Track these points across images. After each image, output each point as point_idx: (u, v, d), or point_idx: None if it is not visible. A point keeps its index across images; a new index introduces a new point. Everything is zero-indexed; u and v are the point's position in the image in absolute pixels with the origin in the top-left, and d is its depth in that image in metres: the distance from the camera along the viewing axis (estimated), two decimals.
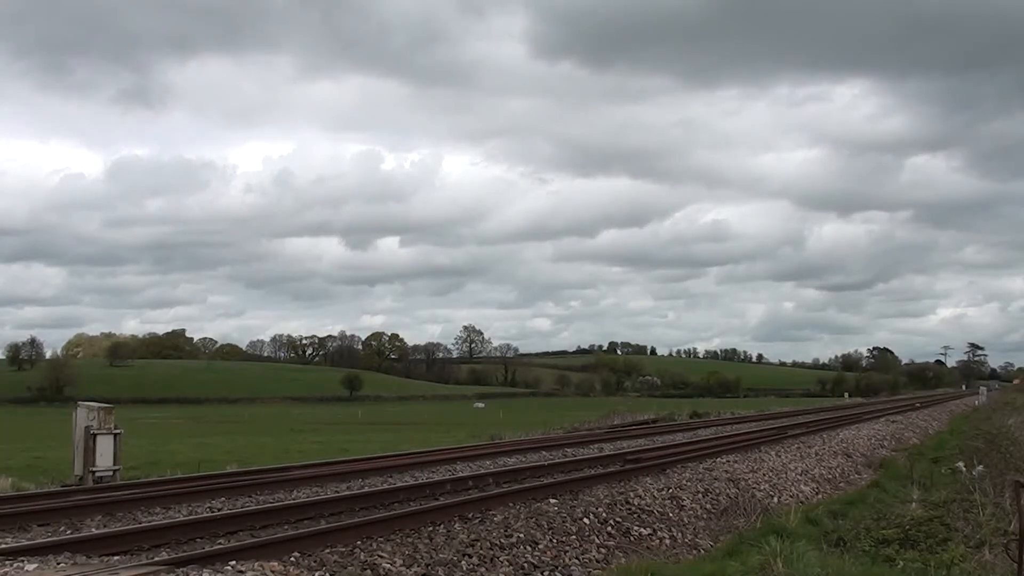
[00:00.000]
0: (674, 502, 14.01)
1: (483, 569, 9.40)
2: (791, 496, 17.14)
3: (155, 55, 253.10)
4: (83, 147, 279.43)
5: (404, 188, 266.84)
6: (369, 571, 8.66)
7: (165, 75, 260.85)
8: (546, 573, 9.81)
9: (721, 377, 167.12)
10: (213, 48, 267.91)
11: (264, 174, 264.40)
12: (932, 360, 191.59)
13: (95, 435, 15.22)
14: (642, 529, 12.31)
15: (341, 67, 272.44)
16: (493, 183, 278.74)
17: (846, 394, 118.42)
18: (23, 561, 7.48)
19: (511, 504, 11.98)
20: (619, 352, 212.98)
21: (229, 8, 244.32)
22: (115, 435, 15.53)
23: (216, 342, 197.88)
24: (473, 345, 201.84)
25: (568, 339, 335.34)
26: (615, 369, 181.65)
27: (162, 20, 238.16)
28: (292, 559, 8.47)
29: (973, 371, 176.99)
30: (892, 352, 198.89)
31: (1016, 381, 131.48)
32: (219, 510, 11.43)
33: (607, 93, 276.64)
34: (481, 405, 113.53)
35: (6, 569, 7.15)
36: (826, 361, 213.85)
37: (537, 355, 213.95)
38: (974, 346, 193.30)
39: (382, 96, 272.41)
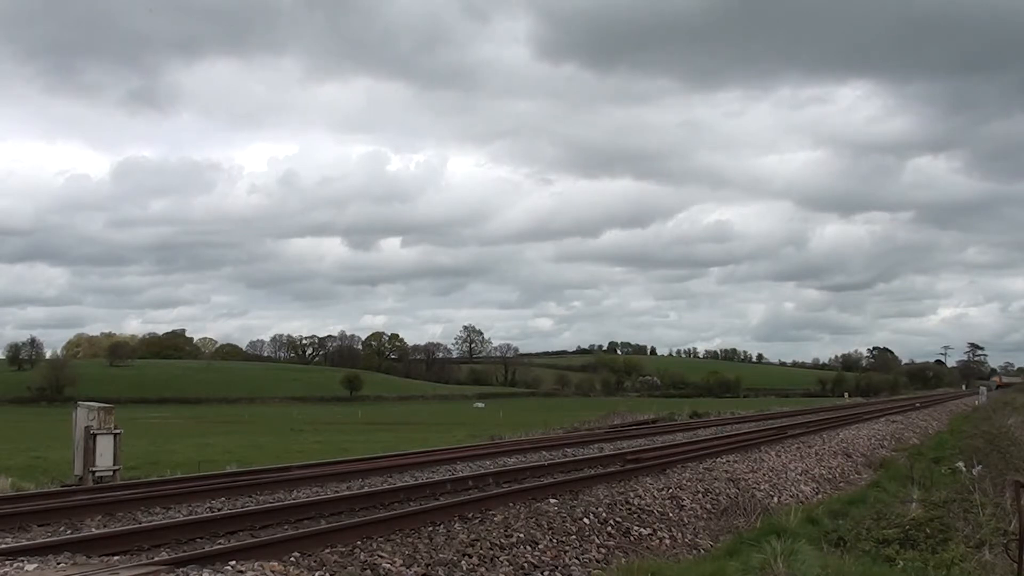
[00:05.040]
0: (674, 502, 14.01)
1: (483, 569, 9.41)
2: (791, 496, 17.15)
3: (163, 57, 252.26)
4: (89, 148, 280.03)
5: (409, 189, 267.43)
6: (369, 571, 8.66)
7: (173, 77, 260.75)
8: (546, 573, 9.81)
9: (721, 377, 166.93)
10: (220, 50, 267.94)
11: (269, 175, 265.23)
12: (932, 360, 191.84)
13: (95, 435, 15.24)
14: (642, 529, 12.31)
15: (347, 69, 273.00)
16: (498, 184, 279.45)
17: (846, 394, 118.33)
18: (23, 561, 7.48)
19: (511, 504, 11.98)
20: (619, 352, 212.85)
21: (236, 10, 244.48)
22: (115, 435, 15.55)
23: (216, 342, 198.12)
24: (473, 345, 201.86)
25: (569, 339, 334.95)
26: (615, 369, 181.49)
27: (170, 22, 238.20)
28: (292, 559, 8.47)
29: (973, 371, 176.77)
30: (892, 352, 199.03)
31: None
32: (219, 510, 11.42)
33: (611, 95, 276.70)
34: (481, 405, 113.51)
35: (6, 569, 7.14)
36: (826, 361, 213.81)
37: (537, 355, 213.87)
38: (974, 346, 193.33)
39: (388, 98, 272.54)
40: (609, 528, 11.89)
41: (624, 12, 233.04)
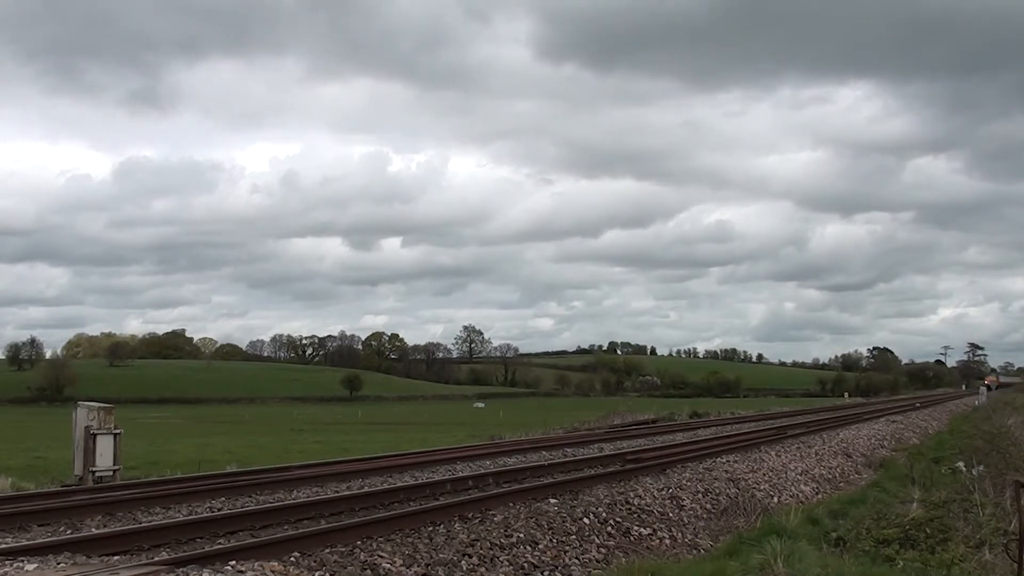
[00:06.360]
0: (674, 502, 14.01)
1: (483, 569, 9.40)
2: (791, 496, 17.15)
3: (164, 57, 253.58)
4: (92, 149, 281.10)
5: (410, 189, 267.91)
6: (369, 571, 8.66)
7: (174, 77, 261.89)
8: (546, 573, 9.81)
9: (721, 377, 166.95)
10: (222, 50, 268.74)
11: (271, 175, 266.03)
12: (932, 360, 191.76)
13: (95, 435, 15.23)
14: (642, 529, 12.31)
15: (348, 69, 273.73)
16: (499, 184, 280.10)
17: (846, 394, 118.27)
18: (23, 561, 7.48)
19: (511, 504, 11.97)
20: (619, 352, 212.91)
21: (237, 11, 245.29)
22: (115, 435, 15.54)
23: (216, 342, 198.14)
24: (473, 345, 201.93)
25: (570, 339, 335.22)
26: (615, 369, 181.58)
27: (171, 23, 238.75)
28: (292, 559, 8.47)
29: (973, 371, 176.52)
30: (892, 352, 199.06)
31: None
32: (219, 510, 11.42)
33: (611, 95, 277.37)
34: (481, 405, 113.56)
35: (6, 569, 7.14)
36: (826, 361, 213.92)
37: (537, 355, 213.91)
38: (974, 346, 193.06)
39: (389, 98, 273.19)
40: (609, 528, 11.89)
41: (624, 12, 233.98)
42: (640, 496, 13.64)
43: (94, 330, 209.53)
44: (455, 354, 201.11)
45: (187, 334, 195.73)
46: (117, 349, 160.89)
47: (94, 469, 15.11)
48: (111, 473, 15.25)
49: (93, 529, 10.02)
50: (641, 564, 9.66)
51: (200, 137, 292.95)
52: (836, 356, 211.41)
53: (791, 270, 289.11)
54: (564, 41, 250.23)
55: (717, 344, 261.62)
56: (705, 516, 14.04)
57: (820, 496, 17.90)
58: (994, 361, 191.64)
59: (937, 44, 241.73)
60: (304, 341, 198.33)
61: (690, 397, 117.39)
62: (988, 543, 10.80)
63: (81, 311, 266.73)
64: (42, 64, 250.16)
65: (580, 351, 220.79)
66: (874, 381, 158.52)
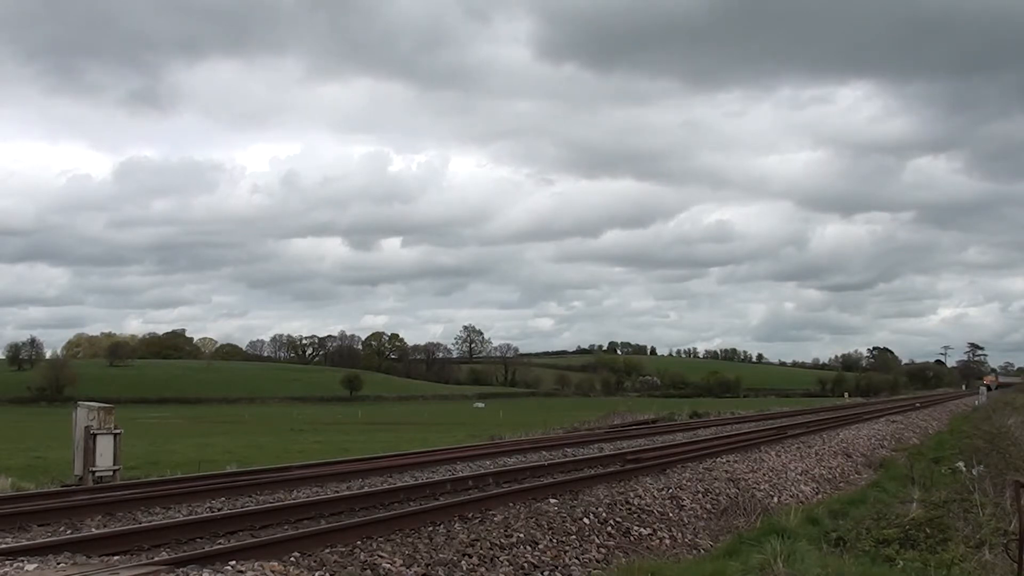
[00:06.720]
0: (674, 502, 14.01)
1: (483, 569, 9.41)
2: (791, 496, 17.15)
3: (164, 57, 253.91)
4: (92, 149, 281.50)
5: (410, 189, 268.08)
6: (369, 571, 8.66)
7: (174, 77, 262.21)
8: (546, 573, 9.81)
9: (721, 377, 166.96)
10: (222, 50, 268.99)
11: (271, 175, 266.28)
12: (932, 360, 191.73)
13: (95, 435, 15.24)
14: (642, 529, 12.31)
15: (348, 69, 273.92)
16: (499, 184, 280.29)
17: (846, 394, 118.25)
18: (23, 561, 7.48)
19: (511, 504, 11.97)
20: (619, 352, 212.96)
21: (237, 11, 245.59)
22: (115, 435, 15.54)
23: (216, 342, 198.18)
24: (473, 345, 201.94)
25: (570, 339, 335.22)
26: (615, 369, 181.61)
27: (171, 23, 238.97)
28: (292, 559, 8.47)
29: (973, 371, 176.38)
30: (892, 352, 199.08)
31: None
32: (219, 510, 11.42)
33: (611, 95, 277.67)
34: (481, 405, 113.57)
35: (6, 569, 7.14)
36: (826, 361, 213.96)
37: (537, 355, 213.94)
38: (974, 346, 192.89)
39: (389, 98, 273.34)
40: (609, 528, 11.89)
41: (624, 12, 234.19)
42: (640, 496, 13.64)
43: (94, 330, 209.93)
44: (455, 354, 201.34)
45: (187, 334, 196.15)
46: (117, 349, 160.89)
47: (94, 469, 15.11)
48: (111, 473, 15.25)
49: (93, 529, 10.02)
50: (641, 564, 9.66)
51: (200, 137, 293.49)
52: (836, 356, 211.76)
53: (791, 270, 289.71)
54: (564, 41, 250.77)
55: (717, 344, 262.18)
56: (705, 516, 14.04)
57: (820, 496, 17.90)
58: (994, 361, 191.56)
59: (937, 44, 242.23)
60: (304, 341, 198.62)
61: (690, 397, 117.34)
62: (988, 543, 10.80)
63: (81, 311, 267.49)
64: (42, 64, 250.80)
65: (580, 351, 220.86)
66: (874, 381, 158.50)
